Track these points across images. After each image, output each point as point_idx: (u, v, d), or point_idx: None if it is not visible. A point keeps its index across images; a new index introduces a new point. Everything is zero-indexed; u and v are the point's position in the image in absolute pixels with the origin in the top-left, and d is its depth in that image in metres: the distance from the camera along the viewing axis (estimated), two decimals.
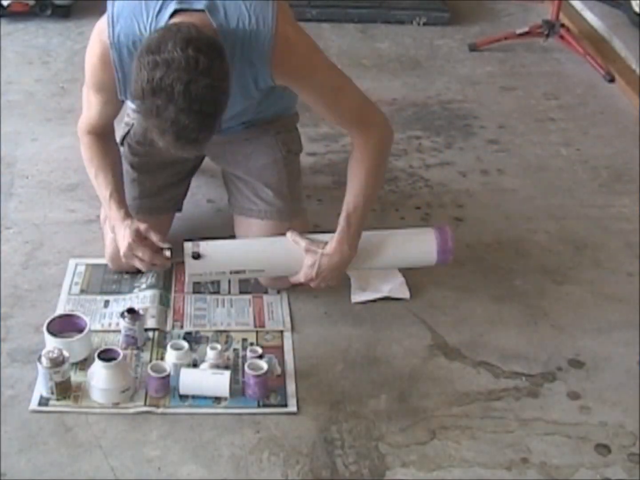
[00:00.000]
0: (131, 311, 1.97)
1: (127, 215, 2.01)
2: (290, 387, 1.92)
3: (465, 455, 1.79)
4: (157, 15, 1.82)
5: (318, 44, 1.94)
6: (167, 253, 1.95)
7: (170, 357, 1.92)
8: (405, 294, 2.21)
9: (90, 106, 2.03)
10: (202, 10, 1.80)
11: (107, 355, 1.87)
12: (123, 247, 1.97)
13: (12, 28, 3.68)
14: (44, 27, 3.72)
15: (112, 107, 2.02)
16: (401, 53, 3.73)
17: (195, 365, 1.94)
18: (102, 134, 2.07)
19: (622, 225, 2.59)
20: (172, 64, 1.62)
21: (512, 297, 2.27)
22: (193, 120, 1.65)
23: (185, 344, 1.95)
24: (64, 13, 3.77)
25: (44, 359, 1.80)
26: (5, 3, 3.66)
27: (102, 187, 2.04)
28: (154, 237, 1.96)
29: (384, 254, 2.05)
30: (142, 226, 1.96)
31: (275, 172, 2.17)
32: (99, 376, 1.85)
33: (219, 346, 1.95)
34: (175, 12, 1.80)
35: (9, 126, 2.91)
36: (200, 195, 2.57)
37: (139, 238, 1.95)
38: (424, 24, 3.99)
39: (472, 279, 2.32)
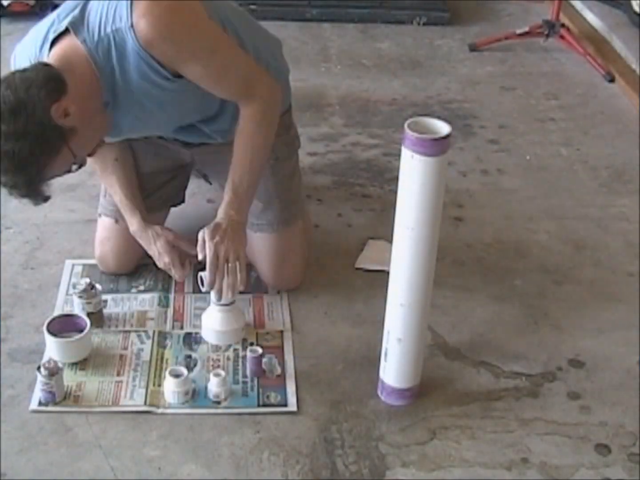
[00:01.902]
0: (48, 365, 1.82)
1: (145, 222, 2.08)
2: (290, 387, 1.92)
3: (465, 455, 1.79)
4: (40, 49, 1.81)
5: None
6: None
7: (169, 384, 1.85)
8: None
9: None
10: (68, 30, 1.78)
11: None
12: (161, 261, 2.08)
13: (12, 28, 3.68)
14: None
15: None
16: (401, 53, 3.73)
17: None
18: None
19: (622, 225, 2.59)
20: None
21: (512, 297, 2.27)
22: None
23: (185, 371, 1.86)
24: None
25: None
26: (5, 3, 3.66)
27: (114, 191, 2.11)
28: (183, 246, 2.06)
29: None
30: (170, 236, 2.06)
31: (261, 185, 2.05)
32: (215, 319, 2.02)
33: (222, 373, 1.88)
34: (52, 43, 1.79)
35: None
36: (200, 195, 2.56)
37: (170, 247, 2.07)
38: (424, 24, 3.99)
39: (472, 279, 2.32)
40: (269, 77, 1.98)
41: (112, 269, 2.22)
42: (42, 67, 1.72)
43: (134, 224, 2.10)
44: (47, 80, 1.68)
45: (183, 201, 2.34)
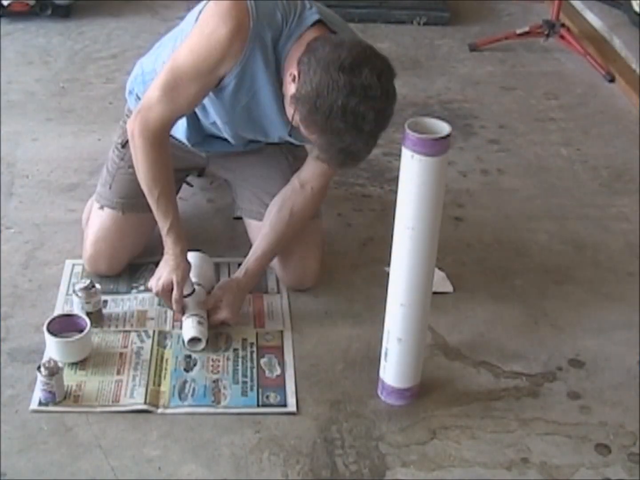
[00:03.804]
0: (48, 365, 1.82)
1: (182, 254, 2.00)
2: (290, 387, 1.92)
3: (465, 455, 1.79)
4: (299, 16, 1.84)
5: None
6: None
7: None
8: (448, 287, 2.23)
9: (173, 99, 1.88)
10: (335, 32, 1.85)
11: None
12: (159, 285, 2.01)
13: (12, 28, 3.68)
14: (44, 27, 3.72)
15: (199, 100, 1.93)
16: (401, 53, 3.73)
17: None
18: (165, 139, 1.96)
19: (622, 225, 2.59)
20: (369, 92, 1.67)
21: (512, 297, 2.27)
22: (367, 146, 1.74)
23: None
24: (64, 13, 3.77)
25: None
26: (5, 3, 3.66)
27: (160, 213, 1.98)
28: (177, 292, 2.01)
29: None
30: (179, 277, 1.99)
31: (283, 181, 2.12)
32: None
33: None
34: (315, 23, 1.83)
35: (9, 126, 2.91)
36: (200, 195, 2.57)
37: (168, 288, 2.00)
38: (424, 24, 3.99)
39: (472, 279, 2.32)
40: None
41: (101, 269, 2.19)
42: None
43: (177, 251, 2.00)
44: None
45: None
